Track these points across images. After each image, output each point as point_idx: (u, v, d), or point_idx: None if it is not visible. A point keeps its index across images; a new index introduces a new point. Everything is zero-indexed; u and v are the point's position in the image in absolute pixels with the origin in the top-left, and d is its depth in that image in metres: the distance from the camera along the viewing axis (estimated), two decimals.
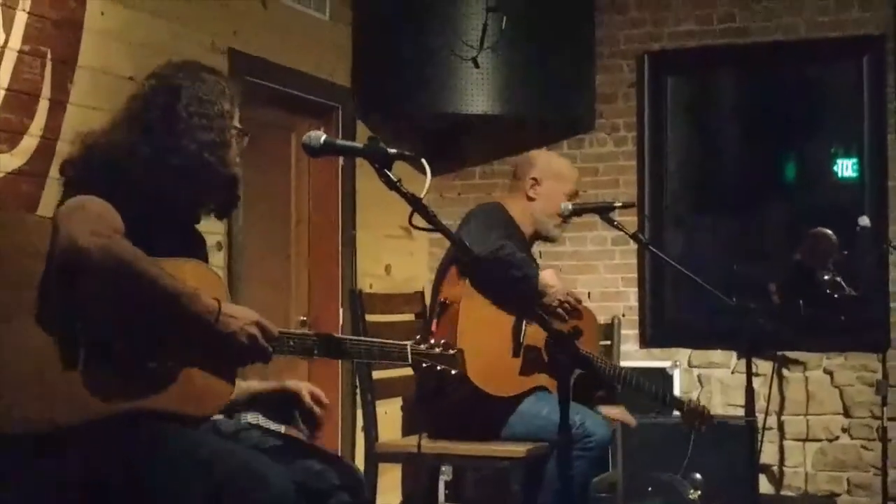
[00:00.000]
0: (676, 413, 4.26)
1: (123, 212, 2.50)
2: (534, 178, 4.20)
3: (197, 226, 2.85)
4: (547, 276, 3.94)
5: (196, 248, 2.83)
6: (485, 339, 3.76)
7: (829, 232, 5.88)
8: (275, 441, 2.82)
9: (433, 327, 3.81)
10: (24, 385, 2.36)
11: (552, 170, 4.24)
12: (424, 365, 2.92)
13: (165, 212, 2.68)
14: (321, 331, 5.45)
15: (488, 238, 3.84)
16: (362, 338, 3.13)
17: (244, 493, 2.44)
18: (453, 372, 2.95)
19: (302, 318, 5.57)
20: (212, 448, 2.52)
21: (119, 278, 2.40)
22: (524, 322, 3.84)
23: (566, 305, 3.91)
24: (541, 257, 6.09)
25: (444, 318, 3.77)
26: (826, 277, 5.54)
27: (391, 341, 2.95)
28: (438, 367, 2.93)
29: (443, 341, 2.97)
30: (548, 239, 4.27)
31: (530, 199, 4.18)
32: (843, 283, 5.37)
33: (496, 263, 3.73)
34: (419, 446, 3.56)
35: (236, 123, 2.78)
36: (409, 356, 2.91)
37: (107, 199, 2.50)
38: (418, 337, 2.96)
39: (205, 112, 2.69)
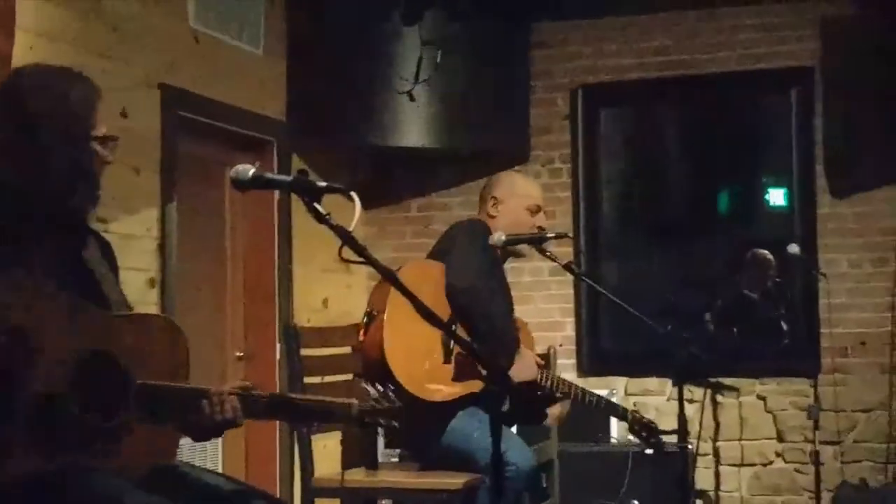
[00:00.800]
0: (622, 423, 4.27)
1: None
2: (494, 197, 4.22)
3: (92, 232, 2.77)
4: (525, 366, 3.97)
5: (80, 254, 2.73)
6: (413, 346, 3.73)
7: (767, 252, 6.02)
8: (209, 482, 2.79)
9: (361, 336, 3.77)
10: None
11: (512, 187, 4.25)
12: (367, 421, 2.80)
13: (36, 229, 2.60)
14: (258, 366, 5.49)
15: (472, 271, 3.84)
16: (308, 396, 3.03)
17: None
18: (395, 425, 2.89)
19: (238, 353, 5.54)
20: None
21: None
22: (454, 327, 3.80)
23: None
24: None
25: (371, 327, 3.73)
26: (767, 293, 5.67)
27: (333, 399, 2.87)
28: (382, 423, 2.83)
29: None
30: (519, 255, 4.28)
31: (491, 216, 4.20)
32: (773, 302, 5.49)
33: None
34: (342, 478, 3.55)
35: (97, 131, 2.67)
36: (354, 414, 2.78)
37: None
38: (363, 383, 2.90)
39: (46, 126, 2.58)
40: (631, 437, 4.38)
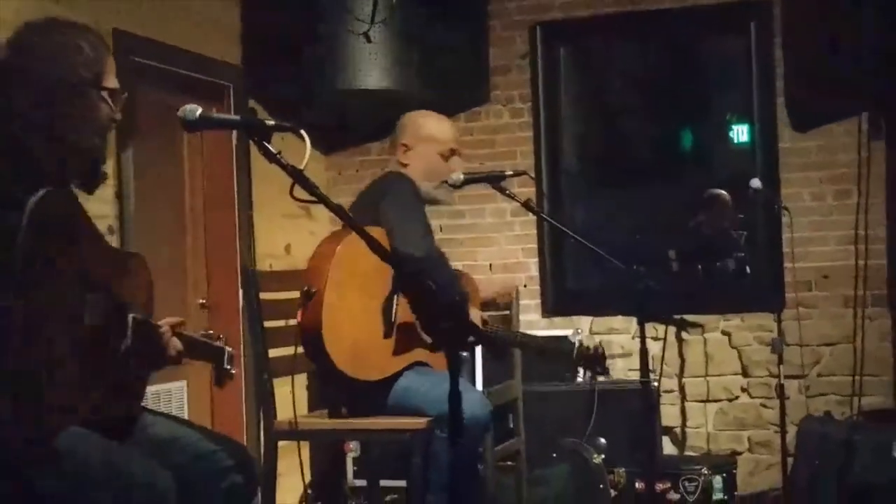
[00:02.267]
0: (567, 357, 4.17)
1: None
2: (404, 144, 4.02)
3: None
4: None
5: None
6: (352, 324, 3.65)
7: (724, 192, 6.02)
8: (169, 427, 2.77)
9: (298, 317, 3.64)
10: None
11: (419, 131, 4.03)
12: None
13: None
14: (221, 314, 5.45)
15: (423, 238, 3.71)
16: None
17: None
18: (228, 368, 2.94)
19: (201, 300, 5.50)
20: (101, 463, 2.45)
21: None
22: (395, 300, 3.73)
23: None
24: (441, 231, 6.11)
25: (308, 306, 3.60)
26: (725, 233, 5.67)
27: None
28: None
29: (211, 332, 2.96)
30: (438, 203, 4.08)
31: (403, 164, 4.00)
32: (734, 240, 5.50)
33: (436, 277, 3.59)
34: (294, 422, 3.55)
35: (107, 83, 2.67)
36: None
37: None
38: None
39: (55, 79, 2.57)
40: (581, 371, 4.34)
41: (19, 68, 2.58)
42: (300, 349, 3.62)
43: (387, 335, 3.76)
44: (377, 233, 3.61)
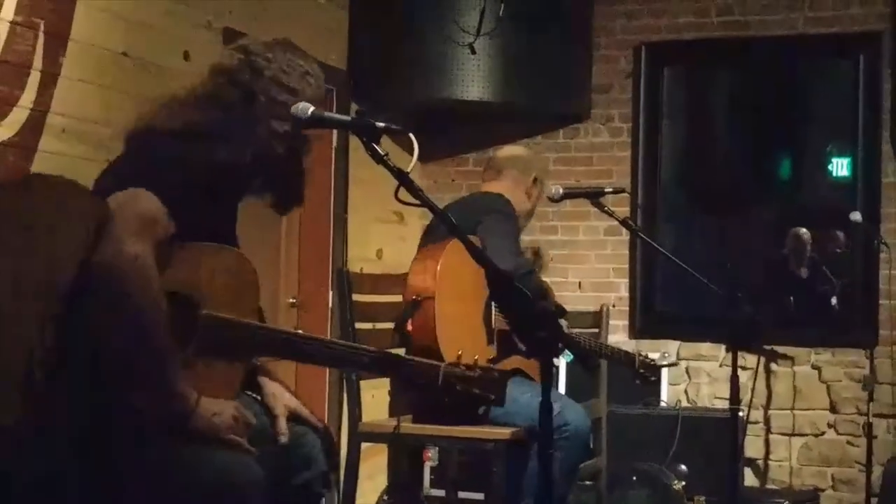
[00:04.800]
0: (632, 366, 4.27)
1: (176, 195, 2.42)
2: (535, 178, 4.20)
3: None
4: None
5: (232, 233, 2.77)
6: (462, 331, 3.69)
7: (804, 230, 5.94)
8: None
9: (408, 327, 3.66)
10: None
11: (545, 174, 4.29)
12: (458, 388, 2.68)
13: (218, 196, 2.60)
14: (310, 314, 5.49)
15: (514, 255, 3.79)
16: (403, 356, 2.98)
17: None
18: (492, 397, 2.70)
19: (291, 300, 5.56)
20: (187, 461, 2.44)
21: (118, 312, 2.31)
22: (493, 307, 3.79)
23: None
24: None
25: (417, 315, 3.62)
26: (804, 274, 5.60)
27: (421, 359, 2.77)
28: (476, 392, 2.69)
29: (483, 364, 2.77)
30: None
31: (529, 196, 4.19)
32: (819, 278, 5.42)
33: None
34: (397, 426, 3.53)
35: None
36: (440, 378, 2.70)
37: (162, 185, 2.42)
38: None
39: (284, 100, 2.60)
40: (637, 381, 4.34)
41: (250, 85, 2.62)
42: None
43: (489, 341, 3.82)
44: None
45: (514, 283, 2.44)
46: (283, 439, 2.65)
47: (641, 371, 4.27)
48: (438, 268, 3.67)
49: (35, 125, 3.87)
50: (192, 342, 2.46)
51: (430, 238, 4.02)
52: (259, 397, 2.74)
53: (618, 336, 6.08)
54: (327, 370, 5.40)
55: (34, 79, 3.88)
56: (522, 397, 3.71)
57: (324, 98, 2.70)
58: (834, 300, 5.97)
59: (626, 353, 4.35)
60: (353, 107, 5.74)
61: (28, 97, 3.86)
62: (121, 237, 2.30)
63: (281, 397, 2.74)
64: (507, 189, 4.18)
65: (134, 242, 2.32)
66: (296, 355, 2.80)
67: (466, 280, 3.67)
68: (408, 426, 3.82)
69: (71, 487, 2.31)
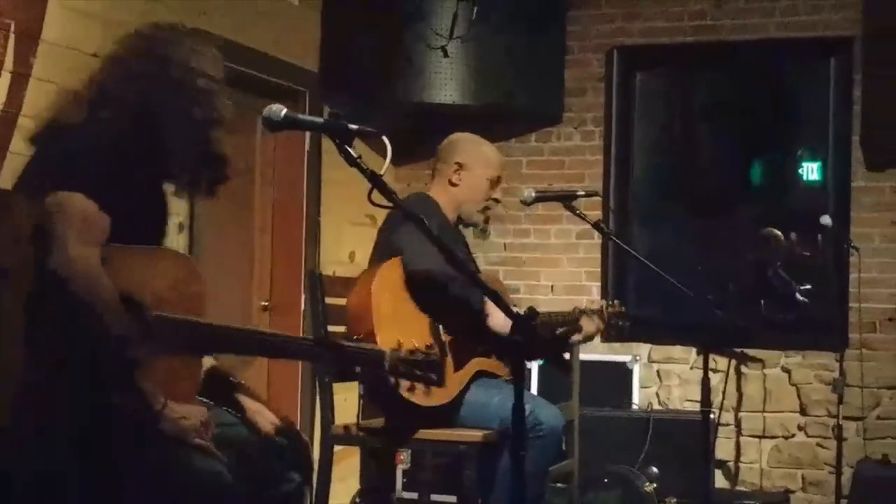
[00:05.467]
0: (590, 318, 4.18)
1: (97, 188, 2.41)
2: (458, 163, 4.03)
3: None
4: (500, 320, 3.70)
5: (162, 221, 2.76)
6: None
7: (777, 232, 5.95)
8: (233, 426, 2.77)
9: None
10: None
11: (477, 155, 4.06)
12: (400, 372, 2.75)
13: (142, 188, 2.60)
14: (282, 316, 5.49)
15: (424, 255, 3.58)
16: (341, 341, 2.99)
17: None
18: (433, 377, 2.77)
19: (264, 302, 5.55)
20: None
21: (81, 314, 2.32)
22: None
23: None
24: (505, 250, 6.13)
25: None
26: (773, 275, 5.61)
27: (364, 344, 2.82)
28: (418, 374, 2.76)
29: (423, 347, 2.82)
30: (469, 224, 4.13)
31: (453, 184, 4.03)
32: (790, 281, 5.43)
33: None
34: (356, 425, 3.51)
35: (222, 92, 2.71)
36: (387, 363, 2.74)
37: (83, 184, 2.41)
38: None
39: (195, 85, 2.61)
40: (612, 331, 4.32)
41: (156, 75, 2.60)
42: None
43: (442, 354, 3.72)
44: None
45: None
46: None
47: (613, 321, 4.25)
48: (372, 300, 3.59)
49: (6, 126, 3.85)
50: (145, 343, 2.43)
51: (376, 253, 3.96)
52: (238, 414, 2.75)
53: None
54: (299, 373, 5.40)
55: (5, 80, 3.87)
56: (493, 400, 3.71)
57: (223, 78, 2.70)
58: (800, 298, 5.96)
59: (594, 309, 4.27)
60: (326, 109, 5.73)
61: None
62: (66, 242, 2.30)
63: (263, 414, 2.74)
64: (437, 184, 4.08)
65: (80, 246, 2.32)
66: (236, 349, 2.74)
67: (405, 298, 3.65)
68: (380, 428, 3.82)
69: (71, 487, 2.31)
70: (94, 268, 2.34)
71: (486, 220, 4.17)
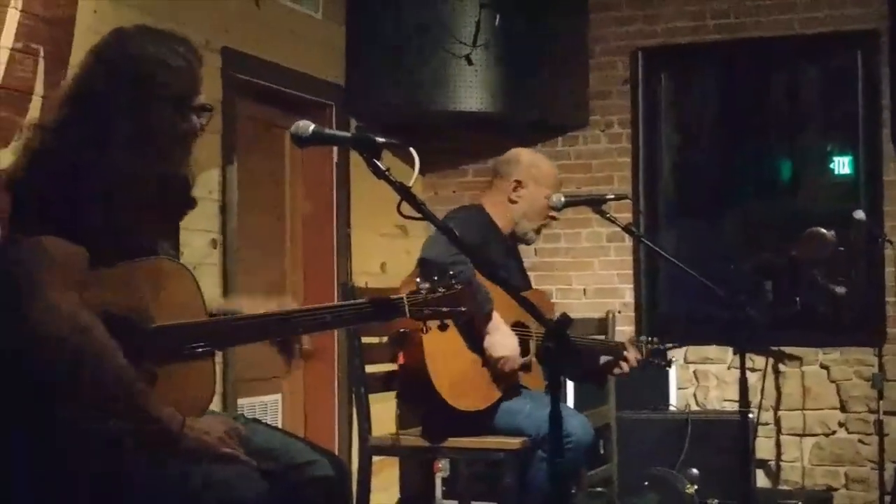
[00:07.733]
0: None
1: (82, 220, 2.36)
2: (517, 181, 4.04)
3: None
4: (500, 340, 3.74)
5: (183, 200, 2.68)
6: (454, 358, 3.69)
7: (826, 231, 5.89)
8: (266, 436, 2.78)
9: (400, 360, 3.69)
10: None
11: (537, 172, 4.07)
12: (425, 314, 2.66)
13: (123, 206, 2.47)
14: None
15: (448, 251, 3.54)
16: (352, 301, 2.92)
17: None
18: (462, 309, 2.67)
19: None
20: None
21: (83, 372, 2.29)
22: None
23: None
24: (536, 255, 6.12)
25: (407, 347, 3.65)
26: (819, 274, 5.56)
27: (380, 296, 2.75)
28: (445, 311, 2.66)
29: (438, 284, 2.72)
30: (523, 241, 4.14)
31: (512, 201, 4.05)
32: (832, 284, 5.39)
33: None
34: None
35: (198, 101, 2.59)
36: (406, 309, 2.65)
37: (64, 219, 2.34)
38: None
39: (151, 107, 2.50)
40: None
41: (106, 78, 2.51)
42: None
43: (485, 363, 3.77)
44: None
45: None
46: None
47: (651, 359, 4.18)
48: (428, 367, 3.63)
49: None
50: (146, 359, 2.41)
51: None
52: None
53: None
54: (335, 385, 5.41)
55: (36, 104, 3.90)
56: (525, 408, 3.72)
57: (199, 68, 2.60)
58: (840, 292, 5.88)
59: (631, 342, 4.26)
60: (353, 122, 5.75)
61: (30, 122, 3.87)
62: (44, 292, 2.26)
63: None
64: (492, 197, 4.09)
65: (59, 294, 2.28)
66: (249, 338, 2.67)
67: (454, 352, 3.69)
68: (420, 439, 3.83)
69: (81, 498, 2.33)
70: (79, 314, 2.29)
71: (538, 231, 4.17)
